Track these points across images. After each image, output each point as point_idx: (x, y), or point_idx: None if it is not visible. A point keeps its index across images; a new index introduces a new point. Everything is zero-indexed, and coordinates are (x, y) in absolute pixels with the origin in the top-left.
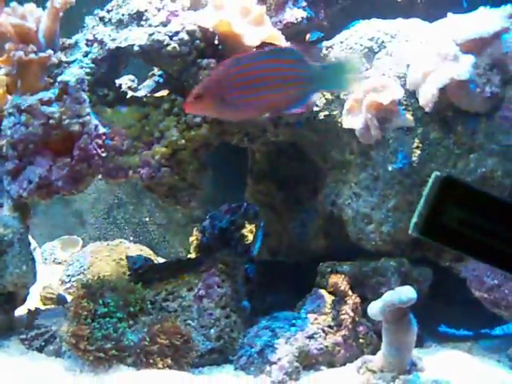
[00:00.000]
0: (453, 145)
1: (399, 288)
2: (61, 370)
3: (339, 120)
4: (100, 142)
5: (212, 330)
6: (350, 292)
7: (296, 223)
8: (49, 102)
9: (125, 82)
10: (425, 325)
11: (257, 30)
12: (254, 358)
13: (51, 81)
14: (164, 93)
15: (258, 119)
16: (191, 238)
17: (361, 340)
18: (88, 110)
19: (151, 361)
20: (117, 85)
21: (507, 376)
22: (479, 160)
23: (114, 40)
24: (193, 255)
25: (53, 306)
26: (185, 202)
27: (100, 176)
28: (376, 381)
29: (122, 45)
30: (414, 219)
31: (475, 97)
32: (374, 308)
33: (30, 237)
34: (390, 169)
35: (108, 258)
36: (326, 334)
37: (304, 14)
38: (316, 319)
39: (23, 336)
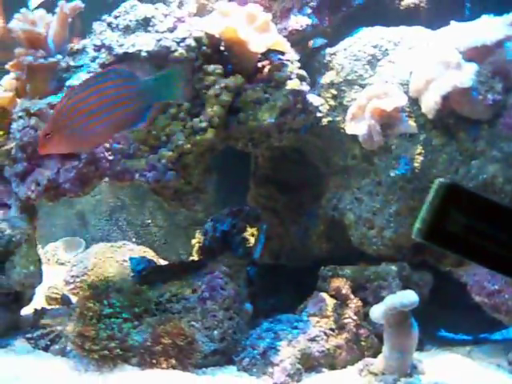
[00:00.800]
0: (455, 151)
1: (401, 292)
2: (66, 369)
3: (342, 126)
4: (107, 145)
5: (215, 332)
6: (351, 296)
7: (298, 227)
8: None
9: None
10: (425, 329)
11: (262, 37)
12: (257, 360)
13: (59, 85)
14: None
15: (264, 124)
16: (193, 241)
17: (362, 343)
18: None
19: (155, 361)
20: None
21: (507, 380)
22: (481, 166)
23: (121, 45)
24: (195, 257)
25: (57, 306)
26: (190, 206)
27: (106, 179)
28: (378, 383)
29: (130, 50)
30: (418, 225)
31: (477, 104)
32: (377, 311)
33: None
34: (392, 174)
35: (111, 259)
36: (328, 337)
37: (309, 21)
38: (318, 322)
39: (29, 335)
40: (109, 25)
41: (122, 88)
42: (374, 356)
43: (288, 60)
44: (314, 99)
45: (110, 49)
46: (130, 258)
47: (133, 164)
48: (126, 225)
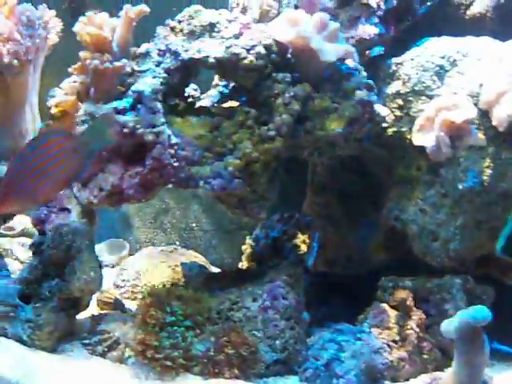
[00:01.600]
0: None
1: (473, 307)
2: (126, 376)
3: (408, 137)
4: (172, 151)
5: (277, 341)
6: (414, 307)
7: (355, 236)
8: (123, 111)
9: (188, 91)
10: None
11: (333, 46)
12: (321, 371)
13: (124, 89)
14: (232, 104)
15: (332, 134)
16: (243, 247)
17: (425, 356)
18: (162, 120)
19: (218, 371)
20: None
21: None
22: None
23: (187, 51)
24: (245, 263)
25: (111, 311)
26: (254, 214)
27: (170, 185)
28: None
29: (196, 56)
30: (502, 242)
31: None
32: (449, 326)
33: None
34: (460, 187)
35: (163, 264)
36: (391, 349)
37: (376, 31)
38: (380, 334)
39: (86, 341)
40: (172, 29)
41: (62, 146)
42: (437, 369)
43: (356, 69)
44: (380, 109)
45: (175, 54)
46: (183, 264)
47: (197, 171)
48: (170, 228)
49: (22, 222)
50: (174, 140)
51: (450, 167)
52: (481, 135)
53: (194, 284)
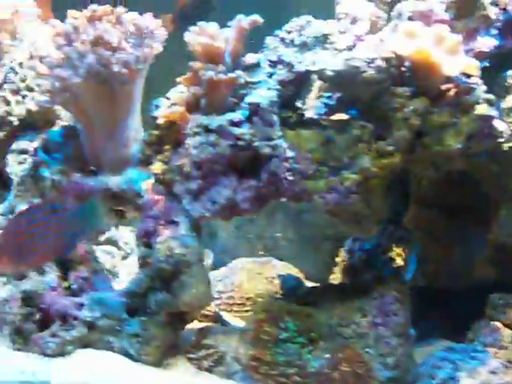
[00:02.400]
0: None
1: None
2: None
3: None
4: (287, 165)
5: (389, 359)
6: None
7: (458, 251)
8: (238, 123)
9: None
10: None
11: (455, 60)
12: None
13: (236, 101)
14: (340, 116)
15: (450, 149)
16: (338, 259)
17: None
18: (279, 133)
19: None
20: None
21: None
22: None
23: (300, 62)
24: (338, 276)
25: (213, 324)
26: (368, 229)
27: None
28: None
29: (312, 68)
30: None
31: None
32: None
33: None
34: None
35: (259, 275)
36: (507, 369)
37: (495, 43)
38: (496, 353)
39: (192, 355)
40: (282, 40)
41: (55, 218)
42: None
43: (475, 83)
44: (498, 124)
45: (289, 65)
46: (279, 276)
47: (312, 185)
48: (254, 237)
49: None
50: (289, 153)
51: None
52: None
53: (297, 298)
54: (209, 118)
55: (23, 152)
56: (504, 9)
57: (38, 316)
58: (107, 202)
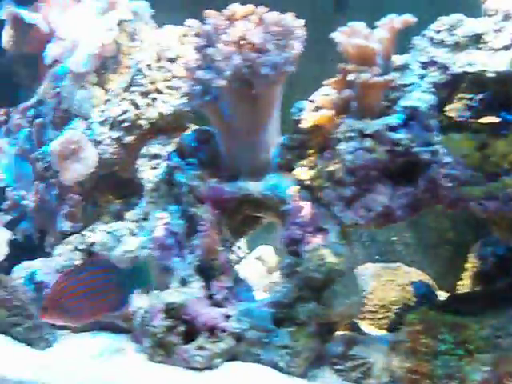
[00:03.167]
0: None
1: None
2: None
3: None
4: (445, 171)
5: None
6: None
7: None
8: (396, 128)
9: None
10: None
11: None
12: None
13: (388, 104)
14: (491, 119)
15: None
16: (467, 265)
17: None
18: (438, 138)
19: None
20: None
21: None
22: None
23: (455, 64)
24: (469, 282)
25: (357, 335)
26: None
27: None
28: None
29: (469, 69)
30: None
31: None
32: None
33: None
34: None
35: (392, 282)
36: None
37: None
38: None
39: (339, 366)
40: (430, 40)
41: (104, 278)
42: None
43: None
44: None
45: (443, 67)
46: (412, 283)
47: (468, 191)
48: (369, 241)
49: None
50: (446, 159)
51: None
52: None
53: (434, 306)
54: (363, 122)
55: (155, 157)
56: None
57: (182, 328)
58: (244, 209)
